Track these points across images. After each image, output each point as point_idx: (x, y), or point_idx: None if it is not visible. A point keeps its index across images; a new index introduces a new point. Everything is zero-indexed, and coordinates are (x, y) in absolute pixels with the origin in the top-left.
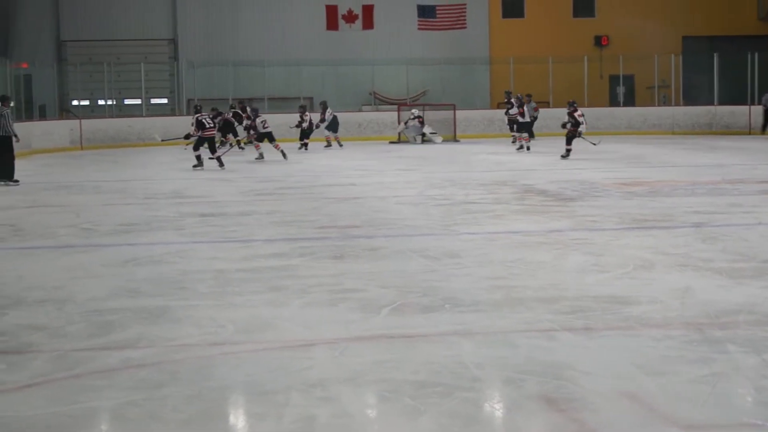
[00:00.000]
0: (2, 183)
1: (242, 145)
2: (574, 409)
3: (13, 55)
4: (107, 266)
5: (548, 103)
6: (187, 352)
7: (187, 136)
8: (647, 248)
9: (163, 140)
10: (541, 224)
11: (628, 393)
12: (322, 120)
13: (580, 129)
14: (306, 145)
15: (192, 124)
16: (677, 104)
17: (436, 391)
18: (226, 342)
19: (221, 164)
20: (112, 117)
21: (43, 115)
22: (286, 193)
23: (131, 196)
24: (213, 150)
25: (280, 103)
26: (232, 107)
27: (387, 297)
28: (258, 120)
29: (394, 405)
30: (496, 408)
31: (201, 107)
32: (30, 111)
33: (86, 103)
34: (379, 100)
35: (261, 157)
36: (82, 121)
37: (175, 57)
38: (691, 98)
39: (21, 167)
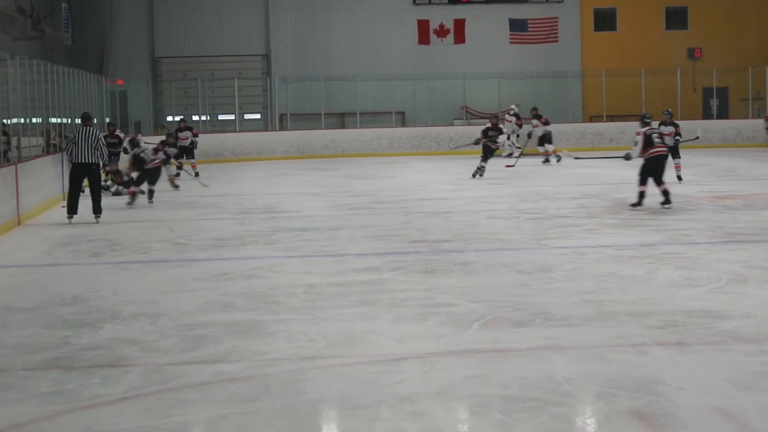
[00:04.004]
0: (95, 218)
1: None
2: (665, 425)
3: (109, 72)
4: (200, 281)
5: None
6: (279, 366)
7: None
8: (740, 262)
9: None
10: (633, 238)
11: (720, 409)
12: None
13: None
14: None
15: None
16: None
17: (527, 405)
18: (317, 356)
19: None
20: (206, 132)
21: (138, 131)
22: (378, 208)
23: (224, 210)
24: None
25: (371, 118)
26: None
27: (478, 311)
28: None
29: (485, 420)
30: (586, 423)
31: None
32: (126, 127)
33: (180, 118)
34: (470, 114)
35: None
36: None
37: (267, 72)
38: None
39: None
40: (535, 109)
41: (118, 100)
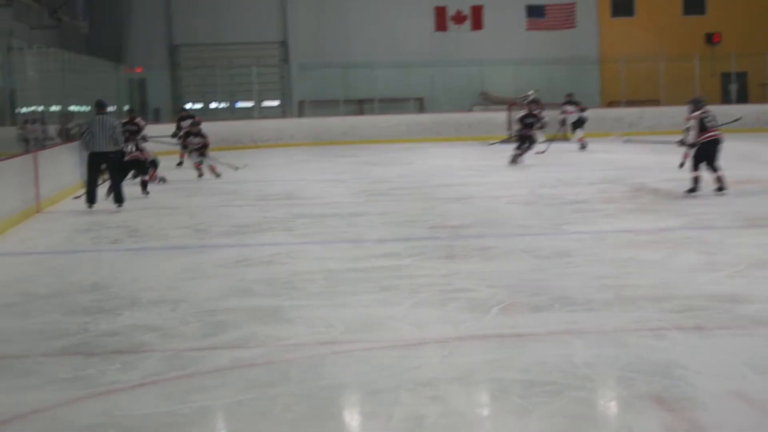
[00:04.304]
0: (116, 206)
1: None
2: (684, 409)
3: (128, 60)
4: (220, 267)
5: (659, 101)
6: (298, 351)
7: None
8: (761, 246)
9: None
10: (653, 223)
11: (739, 393)
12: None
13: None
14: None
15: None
16: None
17: (546, 390)
18: (336, 341)
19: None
20: (224, 120)
21: (157, 119)
22: (398, 194)
23: (244, 197)
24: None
25: (390, 105)
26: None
27: (497, 296)
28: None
29: (503, 404)
30: (605, 407)
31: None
32: (144, 114)
33: (199, 106)
34: (489, 101)
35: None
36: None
37: (285, 59)
38: None
39: None
40: (570, 95)
41: (137, 88)
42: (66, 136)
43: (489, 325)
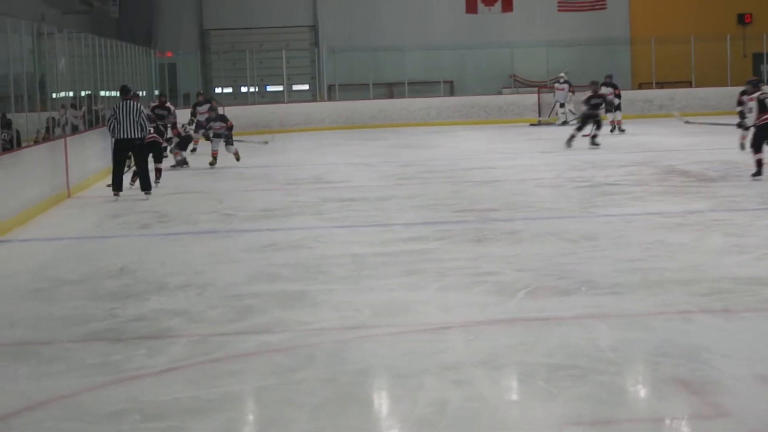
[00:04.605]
0: (144, 194)
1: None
2: (709, 392)
3: (158, 45)
4: (247, 251)
5: (690, 83)
6: (324, 336)
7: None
8: None
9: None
10: (682, 205)
11: (765, 376)
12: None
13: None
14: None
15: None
16: None
17: (570, 374)
18: (362, 326)
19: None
20: (254, 104)
21: (187, 103)
22: (427, 177)
23: (273, 181)
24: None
25: (419, 88)
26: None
27: (523, 280)
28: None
29: (528, 388)
30: (630, 391)
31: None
32: (175, 99)
33: (229, 90)
34: (518, 83)
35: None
36: (225, 108)
37: (315, 43)
38: None
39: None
40: (609, 76)
41: (167, 72)
42: (89, 122)
43: (515, 308)
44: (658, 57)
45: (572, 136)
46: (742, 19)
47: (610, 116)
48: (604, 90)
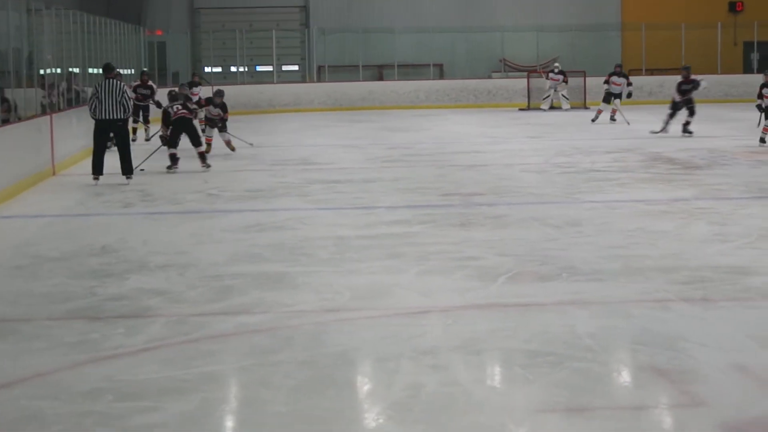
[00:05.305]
0: (126, 178)
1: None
2: (685, 381)
3: (148, 23)
4: (230, 232)
5: (680, 70)
6: (303, 318)
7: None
8: None
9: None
10: (666, 193)
11: (741, 366)
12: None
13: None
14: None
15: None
16: None
17: (547, 360)
18: (341, 308)
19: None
20: (243, 83)
21: (176, 82)
22: (413, 160)
23: (259, 162)
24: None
25: (409, 70)
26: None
27: (505, 265)
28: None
29: (504, 373)
30: (606, 379)
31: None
32: (164, 78)
33: (218, 69)
34: (509, 67)
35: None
36: (214, 87)
37: (306, 24)
38: None
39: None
40: (619, 66)
41: (156, 51)
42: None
43: (495, 294)
44: (648, 44)
45: (666, 123)
46: (733, 7)
47: (613, 105)
48: (616, 79)
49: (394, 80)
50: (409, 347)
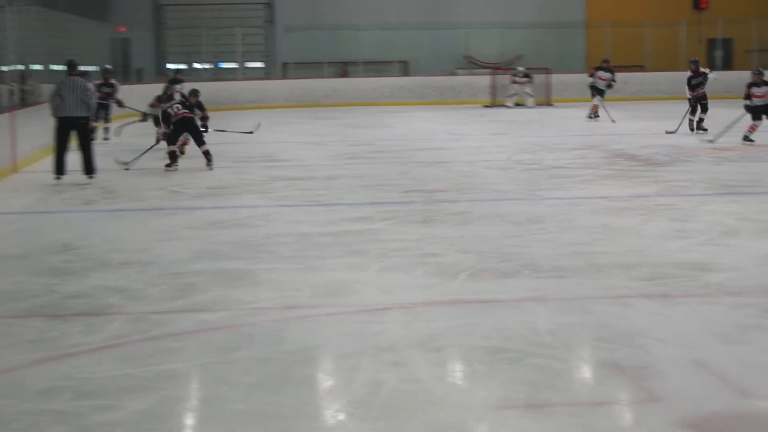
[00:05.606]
0: (87, 177)
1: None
2: (643, 377)
3: (112, 20)
4: (192, 229)
5: (644, 67)
6: (263, 315)
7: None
8: (733, 214)
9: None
10: (628, 189)
11: (699, 361)
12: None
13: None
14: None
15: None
16: None
17: (507, 357)
18: (301, 306)
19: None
20: (207, 81)
21: (140, 79)
22: (376, 157)
23: (223, 159)
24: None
25: (374, 67)
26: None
27: (466, 262)
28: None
29: (464, 370)
30: (565, 375)
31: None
32: (127, 75)
33: (183, 66)
34: (473, 64)
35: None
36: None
37: (271, 20)
38: None
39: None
40: (606, 60)
41: (121, 47)
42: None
43: (455, 290)
44: (612, 41)
45: (690, 121)
46: (697, 4)
47: (595, 101)
48: (602, 74)
49: (359, 77)
50: (370, 344)
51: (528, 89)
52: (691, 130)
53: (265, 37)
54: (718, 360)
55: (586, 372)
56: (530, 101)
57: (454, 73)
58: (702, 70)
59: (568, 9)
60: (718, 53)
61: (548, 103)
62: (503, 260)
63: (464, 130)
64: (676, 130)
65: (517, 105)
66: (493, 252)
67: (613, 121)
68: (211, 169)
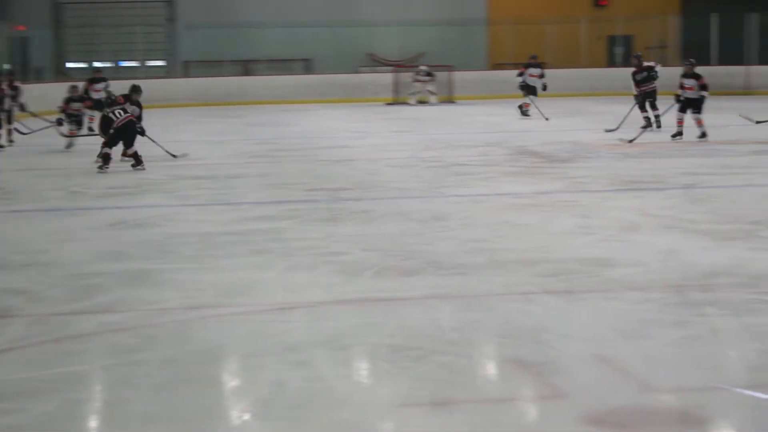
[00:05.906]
0: None
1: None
2: (547, 373)
3: (10, 18)
4: (94, 229)
5: (545, 64)
6: (166, 316)
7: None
8: (635, 210)
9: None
10: (531, 186)
11: (603, 356)
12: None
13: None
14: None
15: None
16: (676, 65)
17: (411, 354)
18: (205, 306)
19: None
20: (108, 79)
21: (39, 78)
22: (279, 156)
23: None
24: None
25: (277, 65)
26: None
27: (370, 260)
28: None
29: (368, 369)
30: (470, 372)
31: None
32: (26, 74)
33: (83, 65)
34: (376, 62)
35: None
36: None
37: (172, 19)
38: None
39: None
40: (534, 57)
41: (19, 46)
42: None
43: (359, 289)
44: (514, 38)
45: (646, 118)
46: (597, 2)
47: (527, 99)
48: (533, 71)
49: (262, 75)
50: (274, 344)
51: (430, 87)
52: (649, 126)
53: (165, 35)
54: (621, 355)
55: (490, 369)
56: (433, 99)
57: (357, 71)
58: (647, 64)
59: (470, 7)
60: (619, 50)
61: (450, 101)
62: (407, 258)
63: (367, 128)
64: (617, 129)
65: (420, 102)
66: (397, 250)
67: (547, 119)
68: (143, 168)
